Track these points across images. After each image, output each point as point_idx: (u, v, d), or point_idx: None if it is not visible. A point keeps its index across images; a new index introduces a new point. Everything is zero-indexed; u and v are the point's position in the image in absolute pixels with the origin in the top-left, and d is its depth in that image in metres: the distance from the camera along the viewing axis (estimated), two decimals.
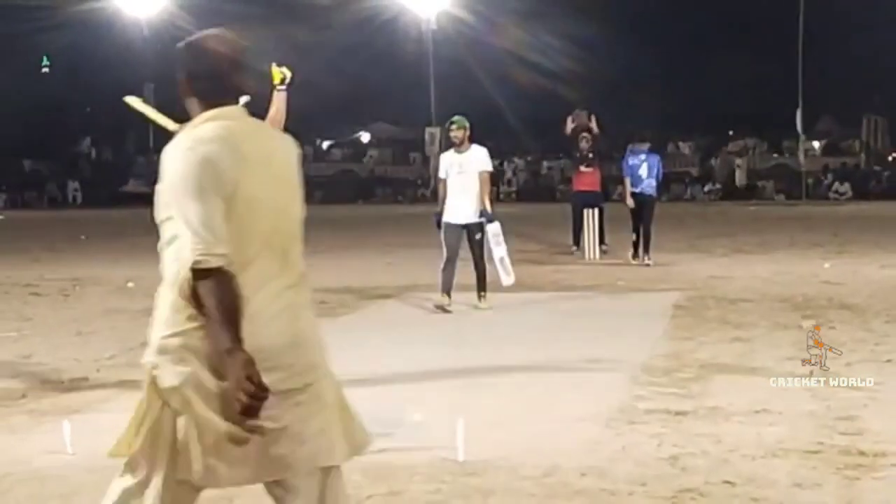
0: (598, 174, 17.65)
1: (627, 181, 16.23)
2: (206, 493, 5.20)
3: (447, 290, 11.34)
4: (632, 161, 16.20)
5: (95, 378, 8.15)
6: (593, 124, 17.83)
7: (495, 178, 41.86)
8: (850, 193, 36.68)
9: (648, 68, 45.40)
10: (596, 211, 16.98)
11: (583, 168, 17.55)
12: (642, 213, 15.97)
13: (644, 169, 16.08)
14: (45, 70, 53.56)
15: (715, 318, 10.48)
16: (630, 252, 16.10)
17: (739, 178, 39.51)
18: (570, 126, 17.98)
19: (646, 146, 16.56)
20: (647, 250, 15.97)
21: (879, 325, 9.94)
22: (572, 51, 42.49)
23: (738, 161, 40.08)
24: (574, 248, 17.53)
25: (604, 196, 18.02)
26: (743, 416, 6.55)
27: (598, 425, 6.40)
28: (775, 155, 41.76)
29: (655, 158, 16.46)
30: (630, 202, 16.09)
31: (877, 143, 41.03)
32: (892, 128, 41.48)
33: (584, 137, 18.16)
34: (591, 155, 17.66)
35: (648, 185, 16.12)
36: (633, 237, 16.11)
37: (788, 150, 40.86)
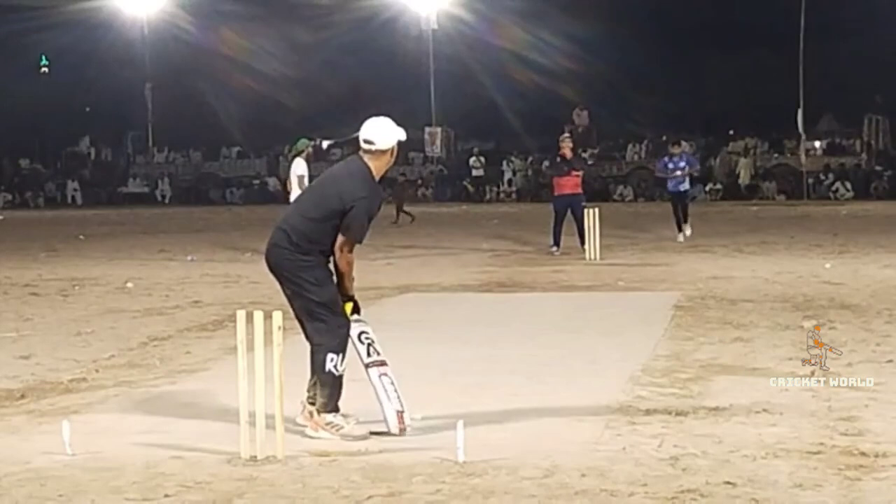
0: (579, 177, 17.93)
1: (661, 175, 20.47)
2: (206, 495, 5.20)
3: None
4: (669, 164, 19.90)
5: (94, 378, 8.13)
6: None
7: (495, 178, 42.17)
8: (851, 193, 36.66)
9: (648, 68, 45.31)
10: (580, 211, 17.27)
11: (564, 172, 17.84)
12: (681, 203, 19.86)
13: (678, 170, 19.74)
14: (44, 70, 53.52)
15: (715, 318, 10.46)
16: (676, 234, 19.72)
17: (744, 177, 39.47)
18: (576, 121, 18.47)
19: (680, 150, 20.71)
20: (686, 222, 19.68)
21: (880, 325, 9.92)
22: (572, 50, 42.45)
23: (743, 161, 40.01)
24: (554, 248, 17.82)
25: (585, 197, 18.20)
26: (744, 417, 6.54)
27: (598, 425, 6.39)
28: (776, 155, 41.57)
29: (687, 160, 20.49)
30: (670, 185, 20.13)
31: (878, 143, 40.96)
32: (894, 127, 41.38)
33: (565, 139, 18.36)
34: (571, 159, 17.87)
35: (684, 182, 19.79)
36: (674, 220, 19.85)
37: (789, 149, 40.77)
